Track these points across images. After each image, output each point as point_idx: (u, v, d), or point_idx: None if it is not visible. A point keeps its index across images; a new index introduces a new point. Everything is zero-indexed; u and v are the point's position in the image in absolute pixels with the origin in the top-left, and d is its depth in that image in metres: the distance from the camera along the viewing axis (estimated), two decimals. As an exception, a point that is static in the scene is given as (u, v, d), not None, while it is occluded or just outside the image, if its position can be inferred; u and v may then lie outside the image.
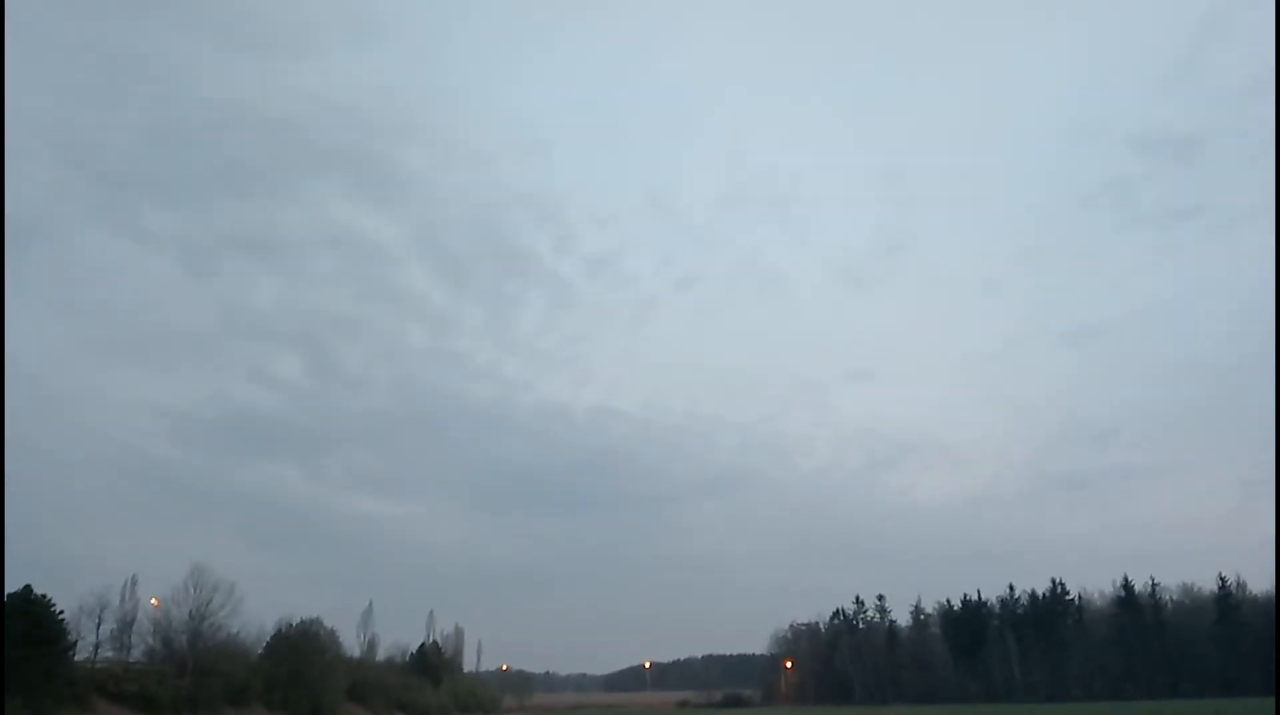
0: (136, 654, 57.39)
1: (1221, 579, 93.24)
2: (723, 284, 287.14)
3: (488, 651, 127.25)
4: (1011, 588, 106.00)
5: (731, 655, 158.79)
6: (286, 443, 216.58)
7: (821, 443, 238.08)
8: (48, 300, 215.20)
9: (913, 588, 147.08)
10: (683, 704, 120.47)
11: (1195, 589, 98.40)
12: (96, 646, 54.82)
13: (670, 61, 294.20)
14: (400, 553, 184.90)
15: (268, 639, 67.94)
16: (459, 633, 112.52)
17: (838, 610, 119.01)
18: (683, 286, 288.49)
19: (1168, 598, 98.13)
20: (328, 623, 76.67)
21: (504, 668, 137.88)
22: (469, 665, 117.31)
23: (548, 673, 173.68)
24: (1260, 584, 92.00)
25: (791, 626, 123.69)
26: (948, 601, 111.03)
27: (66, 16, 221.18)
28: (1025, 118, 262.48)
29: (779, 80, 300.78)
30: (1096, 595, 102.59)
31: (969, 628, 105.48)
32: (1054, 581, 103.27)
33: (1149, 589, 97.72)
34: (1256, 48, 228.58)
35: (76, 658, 50.08)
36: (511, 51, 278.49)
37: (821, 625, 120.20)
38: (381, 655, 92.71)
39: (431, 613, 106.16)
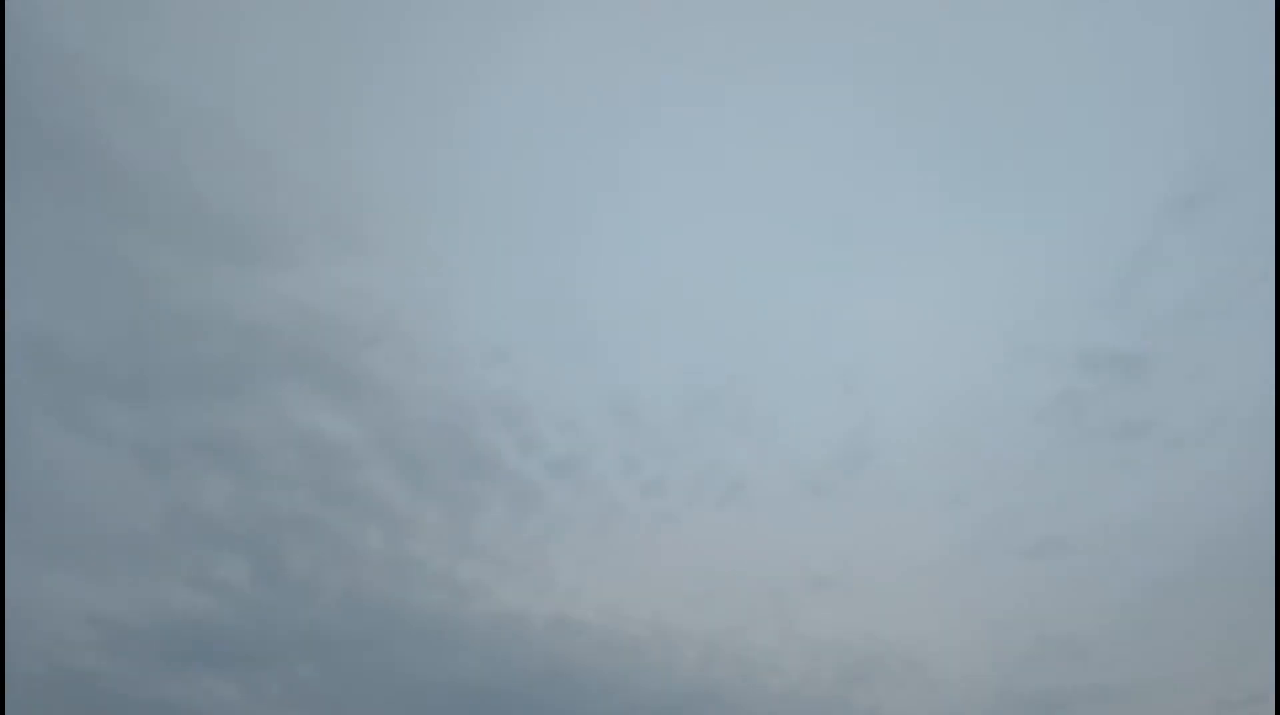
0: None
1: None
2: (686, 490, 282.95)
3: None
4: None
5: None
6: (224, 655, 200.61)
7: (790, 657, 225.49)
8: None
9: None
10: None
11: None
12: None
13: (629, 272, 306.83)
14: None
15: None
16: None
17: None
18: (647, 492, 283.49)
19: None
20: None
21: None
22: None
23: None
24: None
25: None
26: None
27: (55, 219, 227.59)
28: (979, 331, 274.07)
29: (739, 292, 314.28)
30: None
31: None
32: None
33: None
34: (1185, 277, 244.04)
35: None
36: (477, 257, 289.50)
37: None
38: None
39: None
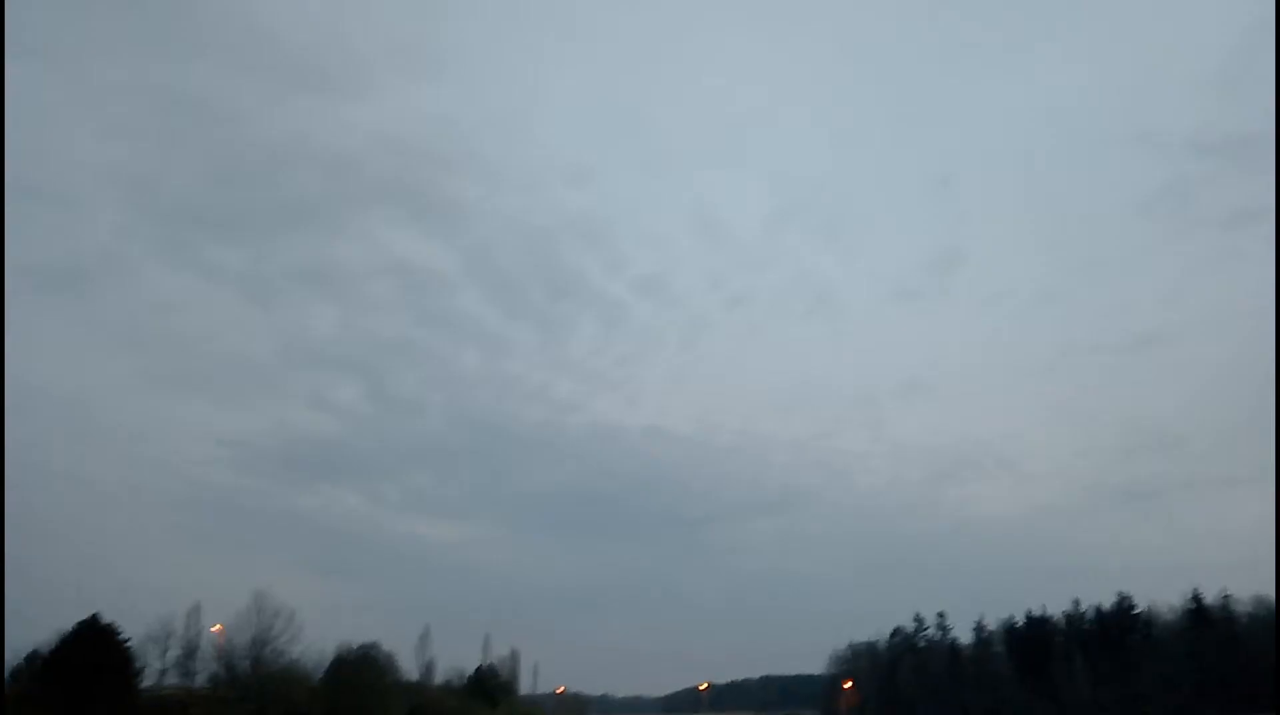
0: (201, 680, 58.73)
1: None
2: (772, 303, 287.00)
3: (544, 674, 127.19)
4: (1077, 603, 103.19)
5: (789, 676, 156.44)
6: (345, 468, 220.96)
7: (877, 459, 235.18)
8: (115, 336, 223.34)
9: (974, 604, 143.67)
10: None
11: (1268, 601, 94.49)
12: (162, 673, 56.27)
13: (713, 80, 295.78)
14: (456, 576, 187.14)
15: (328, 664, 68.94)
16: (515, 655, 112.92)
17: (897, 629, 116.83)
18: (732, 306, 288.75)
19: (1240, 610, 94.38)
20: (386, 647, 77.66)
21: (560, 690, 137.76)
22: (525, 688, 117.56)
23: (604, 695, 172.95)
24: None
25: (850, 646, 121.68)
26: (1011, 618, 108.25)
27: (129, 61, 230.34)
28: (1075, 125, 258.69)
29: (825, 96, 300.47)
30: (1166, 609, 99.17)
31: (1034, 645, 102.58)
32: (1120, 596, 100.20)
33: (1220, 601, 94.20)
34: None
35: (143, 684, 51.40)
36: (553, 80, 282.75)
37: (881, 644, 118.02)
38: (439, 678, 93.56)
39: (488, 636, 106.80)
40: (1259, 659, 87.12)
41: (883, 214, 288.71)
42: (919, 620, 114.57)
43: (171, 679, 56.98)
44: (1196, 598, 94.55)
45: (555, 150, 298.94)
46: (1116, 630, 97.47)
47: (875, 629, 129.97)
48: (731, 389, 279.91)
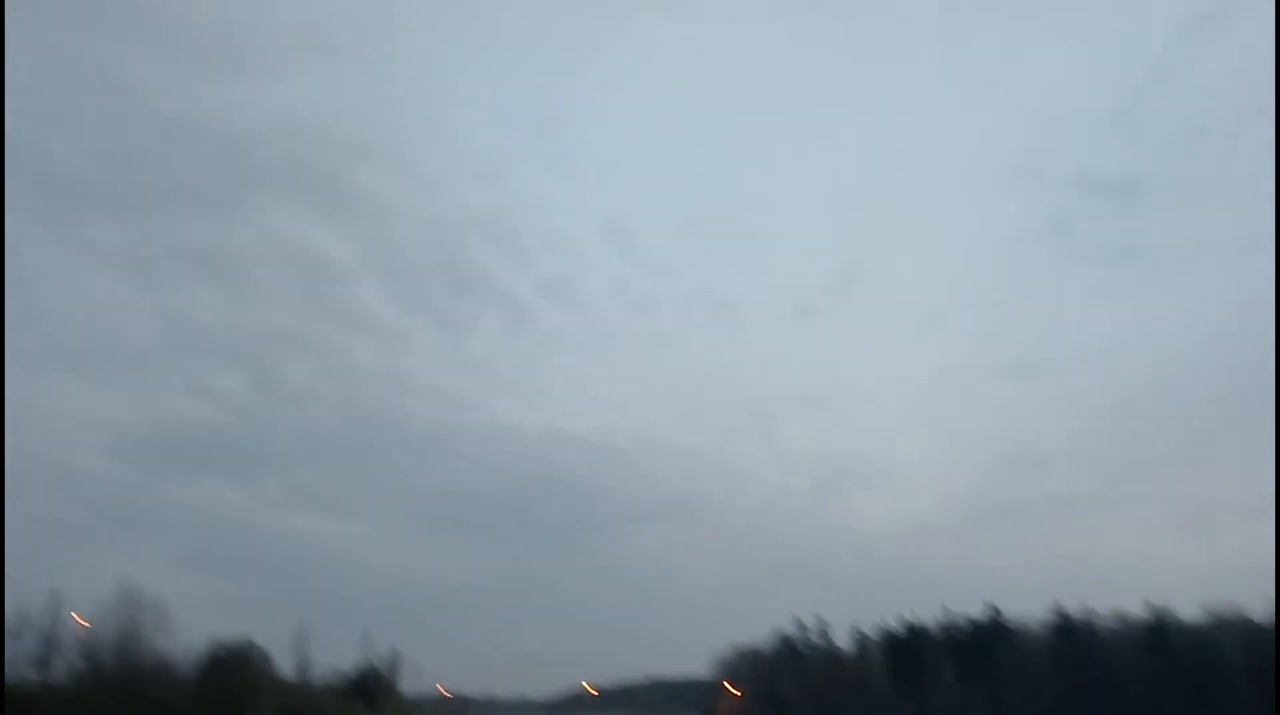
0: (59, 674, 55.22)
1: (1153, 607, 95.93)
2: (677, 311, 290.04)
3: (428, 674, 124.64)
4: (949, 613, 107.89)
5: (675, 678, 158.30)
6: (226, 460, 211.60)
7: (769, 469, 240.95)
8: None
9: (854, 611, 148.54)
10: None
11: (1127, 617, 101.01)
12: (22, 669, 52.75)
13: (632, 89, 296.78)
14: (339, 574, 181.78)
15: (202, 662, 65.93)
16: (396, 655, 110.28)
17: (782, 634, 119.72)
18: (637, 312, 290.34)
19: (1100, 625, 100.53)
20: (262, 644, 74.73)
21: (443, 691, 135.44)
22: (407, 689, 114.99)
23: (489, 697, 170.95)
24: (1188, 613, 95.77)
25: (734, 649, 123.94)
26: (887, 626, 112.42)
27: (20, 22, 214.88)
28: (972, 156, 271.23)
29: (737, 110, 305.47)
30: (1033, 622, 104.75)
31: (908, 652, 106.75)
32: (991, 607, 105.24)
33: (1083, 616, 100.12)
34: (1196, 97, 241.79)
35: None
36: (468, 73, 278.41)
37: (765, 648, 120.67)
38: (317, 678, 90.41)
39: (368, 635, 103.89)
40: (1118, 670, 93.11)
41: (786, 231, 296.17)
42: (801, 626, 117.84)
43: (27, 673, 53.37)
44: (1061, 612, 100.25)
45: (466, 146, 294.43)
46: (985, 640, 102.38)
47: (760, 633, 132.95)
48: (632, 394, 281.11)
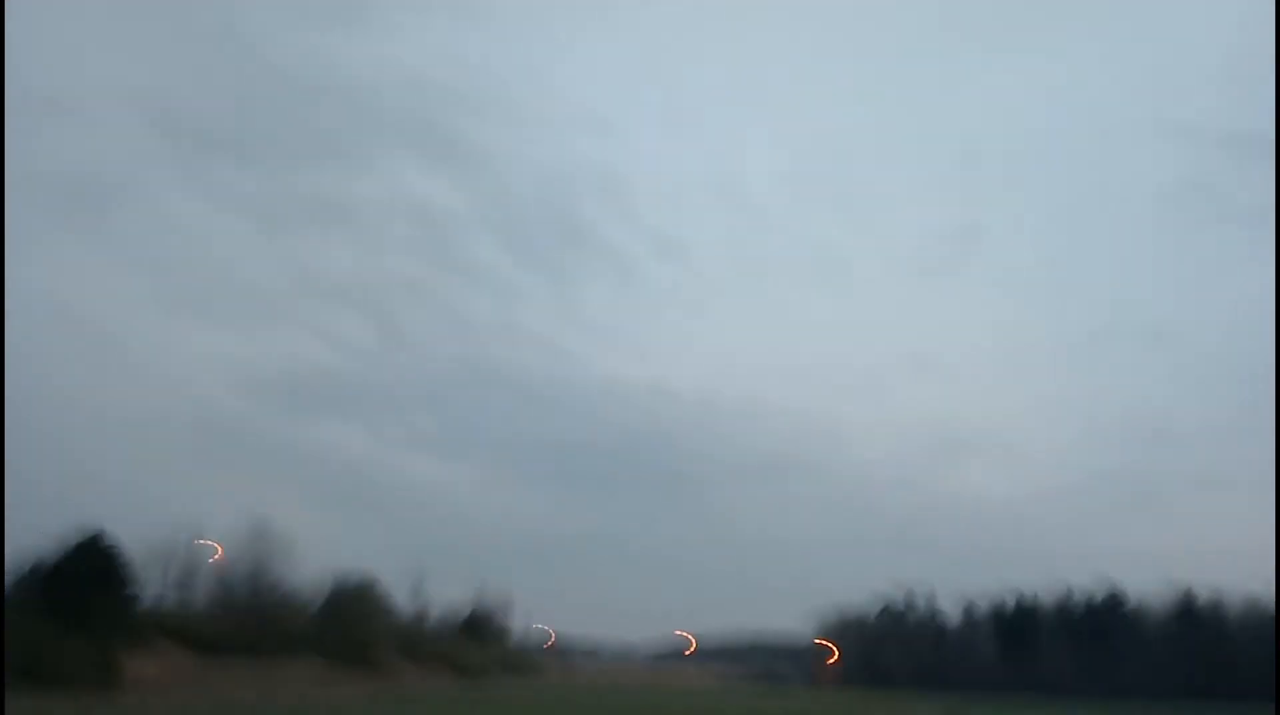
0: (199, 600, 59.89)
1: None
2: (788, 270, 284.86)
3: (535, 618, 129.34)
4: (1068, 589, 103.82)
5: (776, 637, 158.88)
6: (350, 403, 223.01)
7: (880, 433, 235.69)
8: (130, 258, 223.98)
9: (961, 581, 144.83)
10: (725, 681, 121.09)
11: (1258, 600, 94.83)
12: (162, 592, 57.39)
13: (742, 44, 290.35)
14: (454, 517, 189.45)
15: (325, 593, 70.22)
16: (509, 598, 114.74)
17: (887, 602, 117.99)
18: (747, 270, 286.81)
19: (1228, 609, 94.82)
20: (381, 580, 78.95)
21: (550, 635, 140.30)
22: (517, 631, 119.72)
23: (593, 643, 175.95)
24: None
25: (839, 614, 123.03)
26: (999, 600, 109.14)
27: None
28: (1106, 111, 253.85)
29: (851, 67, 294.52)
30: (1155, 601, 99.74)
31: (1018, 625, 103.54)
32: (1110, 587, 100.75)
33: (1209, 597, 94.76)
34: None
35: (143, 602, 52.46)
36: (585, 27, 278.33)
37: (869, 615, 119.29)
38: (432, 616, 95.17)
39: (483, 577, 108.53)
40: (1249, 655, 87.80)
41: (904, 186, 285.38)
42: (907, 593, 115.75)
43: (170, 598, 58.15)
44: (1186, 592, 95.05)
45: (579, 99, 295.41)
46: (1101, 616, 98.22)
47: (864, 599, 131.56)
48: (739, 352, 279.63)
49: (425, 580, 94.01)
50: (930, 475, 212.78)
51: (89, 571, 43.46)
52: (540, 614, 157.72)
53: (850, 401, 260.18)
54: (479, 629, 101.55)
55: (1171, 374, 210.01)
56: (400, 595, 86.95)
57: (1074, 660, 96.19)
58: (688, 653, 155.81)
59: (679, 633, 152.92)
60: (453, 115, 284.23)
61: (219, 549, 62.03)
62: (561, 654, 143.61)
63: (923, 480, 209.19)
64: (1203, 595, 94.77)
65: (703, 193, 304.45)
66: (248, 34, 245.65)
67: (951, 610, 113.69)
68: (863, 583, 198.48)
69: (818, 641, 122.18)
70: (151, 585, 55.55)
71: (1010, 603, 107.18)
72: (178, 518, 62.30)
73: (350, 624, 66.90)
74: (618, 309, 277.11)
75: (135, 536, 52.01)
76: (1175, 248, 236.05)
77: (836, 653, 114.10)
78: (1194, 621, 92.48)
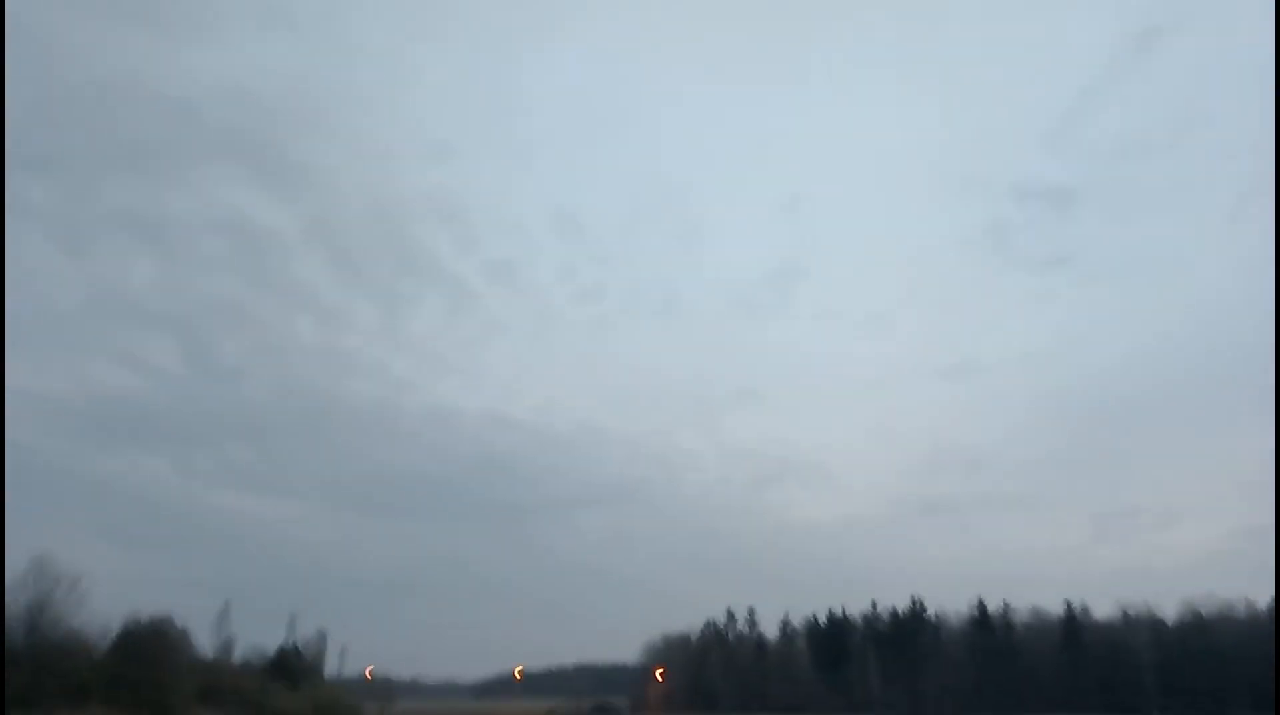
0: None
1: (1068, 604, 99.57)
2: (622, 300, 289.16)
3: (356, 657, 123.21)
4: (874, 605, 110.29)
5: (604, 664, 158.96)
6: (155, 434, 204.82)
7: (708, 460, 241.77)
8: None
9: (783, 602, 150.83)
10: (550, 711, 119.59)
11: (1043, 613, 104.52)
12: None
13: (587, 73, 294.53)
14: (270, 553, 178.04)
15: (114, 635, 63.73)
16: (322, 636, 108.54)
17: (709, 622, 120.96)
18: (582, 299, 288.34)
19: (1018, 620, 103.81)
20: (184, 622, 72.77)
21: (368, 673, 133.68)
22: (333, 670, 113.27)
23: (415, 679, 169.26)
24: (1103, 611, 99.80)
25: (663, 637, 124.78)
26: (814, 617, 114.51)
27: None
28: (916, 163, 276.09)
29: (689, 104, 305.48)
30: (953, 615, 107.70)
31: (833, 643, 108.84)
32: (913, 600, 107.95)
33: (1001, 611, 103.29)
34: (1129, 112, 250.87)
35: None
36: (421, 51, 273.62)
37: (693, 636, 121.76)
38: (238, 657, 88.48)
39: (294, 615, 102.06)
40: (1032, 667, 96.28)
41: (734, 226, 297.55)
42: (730, 615, 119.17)
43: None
44: (980, 606, 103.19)
45: (419, 126, 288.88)
46: (908, 632, 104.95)
47: (690, 622, 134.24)
48: (574, 381, 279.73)
49: (233, 620, 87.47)
50: (756, 501, 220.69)
51: None
52: (363, 651, 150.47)
53: (682, 430, 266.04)
54: (288, 669, 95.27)
55: (973, 406, 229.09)
56: (203, 635, 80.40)
57: (881, 670, 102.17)
58: (515, 683, 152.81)
59: (513, 668, 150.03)
60: (280, 132, 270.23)
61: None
62: (380, 691, 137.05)
63: (749, 505, 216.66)
64: (997, 609, 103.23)
65: (540, 222, 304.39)
66: (57, 40, 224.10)
67: (772, 631, 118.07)
68: (692, 607, 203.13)
69: (646, 667, 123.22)
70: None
71: (824, 621, 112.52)
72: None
73: (143, 668, 60.96)
74: (451, 336, 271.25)
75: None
76: (976, 290, 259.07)
77: (664, 677, 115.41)
78: (988, 633, 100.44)
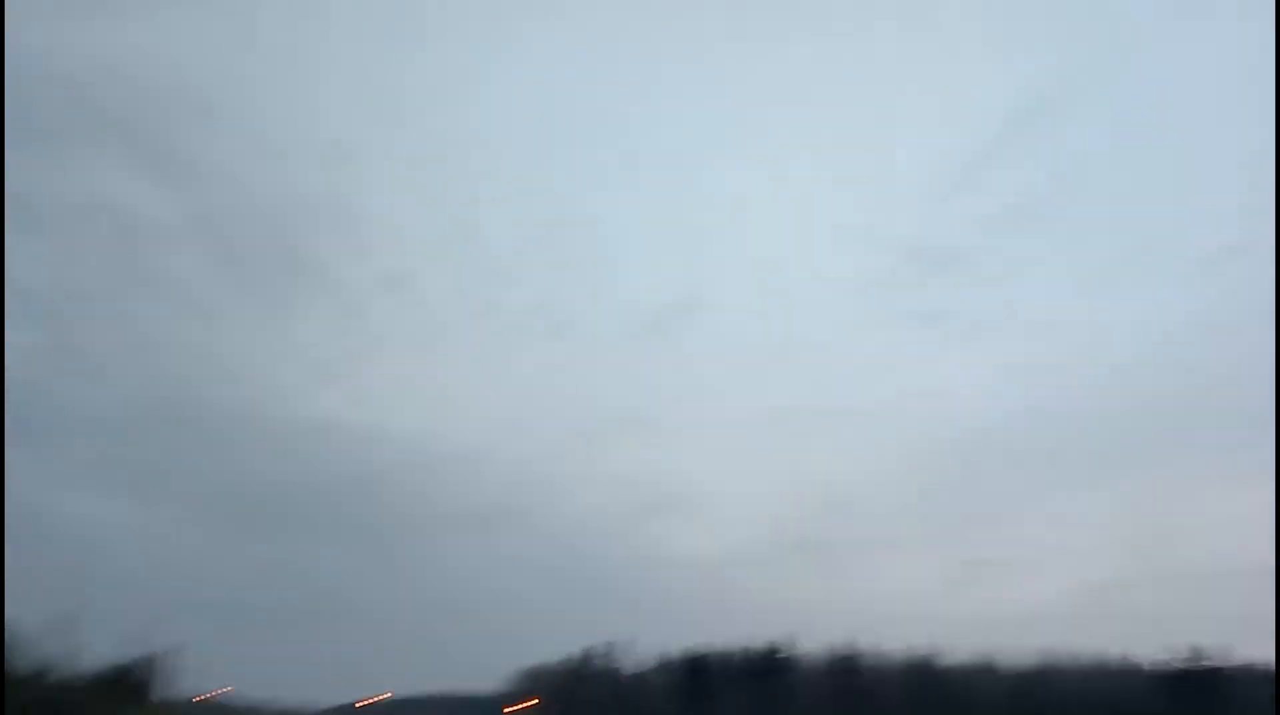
0: None
1: (924, 648, 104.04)
2: (516, 320, 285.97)
3: (206, 674, 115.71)
4: (742, 642, 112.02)
5: (470, 694, 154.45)
6: (6, 424, 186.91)
7: (592, 487, 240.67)
8: None
9: (656, 635, 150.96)
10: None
11: (900, 656, 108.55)
12: None
13: (493, 91, 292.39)
14: (123, 562, 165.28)
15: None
16: (165, 654, 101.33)
17: (577, 652, 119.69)
18: (476, 316, 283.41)
19: (876, 662, 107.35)
20: (14, 629, 66.34)
21: (207, 692, 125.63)
22: (180, 690, 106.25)
23: (255, 704, 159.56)
24: (957, 656, 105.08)
25: (533, 667, 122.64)
26: (684, 651, 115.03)
27: None
28: (817, 211, 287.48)
29: (593, 127, 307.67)
30: (816, 655, 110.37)
31: (700, 679, 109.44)
32: (778, 638, 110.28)
33: (861, 652, 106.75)
34: (1016, 182, 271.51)
35: None
36: (326, 49, 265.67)
37: (563, 667, 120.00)
38: (72, 671, 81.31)
39: (142, 629, 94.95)
40: (888, 706, 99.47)
41: (635, 255, 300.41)
42: (599, 647, 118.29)
43: None
44: (840, 647, 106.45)
45: (315, 124, 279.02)
46: (770, 670, 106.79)
47: (561, 651, 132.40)
48: (462, 400, 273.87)
49: (61, 632, 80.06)
50: (636, 532, 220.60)
51: None
52: (214, 670, 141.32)
53: (567, 456, 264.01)
54: (125, 686, 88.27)
55: (850, 449, 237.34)
56: (29, 649, 73.25)
57: (741, 707, 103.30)
58: (359, 706, 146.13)
59: (367, 695, 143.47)
60: (170, 120, 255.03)
61: None
62: (217, 712, 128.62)
63: (629, 536, 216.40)
64: (856, 650, 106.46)
65: (439, 236, 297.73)
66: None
67: (643, 665, 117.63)
68: (564, 637, 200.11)
69: (513, 697, 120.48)
70: None
71: (694, 657, 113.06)
72: None
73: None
74: (335, 345, 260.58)
75: None
76: (860, 337, 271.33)
77: (533, 708, 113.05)
78: (847, 674, 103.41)
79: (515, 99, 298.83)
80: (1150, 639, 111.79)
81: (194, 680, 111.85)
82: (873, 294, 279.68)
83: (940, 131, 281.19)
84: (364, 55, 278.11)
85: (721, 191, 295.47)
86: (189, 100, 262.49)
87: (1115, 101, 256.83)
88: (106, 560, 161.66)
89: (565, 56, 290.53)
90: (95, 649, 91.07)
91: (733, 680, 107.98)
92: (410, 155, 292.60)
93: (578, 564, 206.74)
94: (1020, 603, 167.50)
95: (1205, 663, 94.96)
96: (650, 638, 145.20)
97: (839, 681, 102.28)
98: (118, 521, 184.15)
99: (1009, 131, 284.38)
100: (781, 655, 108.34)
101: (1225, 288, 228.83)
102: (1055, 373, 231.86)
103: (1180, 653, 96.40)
